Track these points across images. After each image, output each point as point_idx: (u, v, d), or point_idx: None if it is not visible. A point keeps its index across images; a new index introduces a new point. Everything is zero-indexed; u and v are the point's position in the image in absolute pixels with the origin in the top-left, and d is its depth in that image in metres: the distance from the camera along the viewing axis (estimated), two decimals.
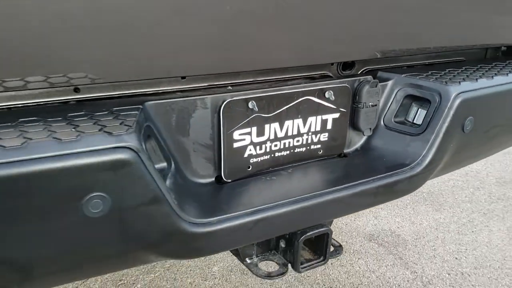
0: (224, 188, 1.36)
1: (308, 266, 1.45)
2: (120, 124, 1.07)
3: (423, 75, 1.67)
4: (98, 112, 1.12)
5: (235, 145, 1.37)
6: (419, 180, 1.58)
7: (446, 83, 1.60)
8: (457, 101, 1.57)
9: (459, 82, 1.62)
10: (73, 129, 1.02)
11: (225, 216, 1.22)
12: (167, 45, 1.15)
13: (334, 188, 1.39)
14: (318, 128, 1.53)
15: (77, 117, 1.09)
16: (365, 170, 1.53)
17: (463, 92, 1.59)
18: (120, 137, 1.02)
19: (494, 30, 1.88)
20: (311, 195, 1.34)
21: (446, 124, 1.57)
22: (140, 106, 1.18)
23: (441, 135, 1.58)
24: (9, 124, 1.02)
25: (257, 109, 1.36)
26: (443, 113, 1.57)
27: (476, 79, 1.66)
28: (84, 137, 0.99)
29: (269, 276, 1.41)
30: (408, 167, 1.56)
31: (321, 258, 1.49)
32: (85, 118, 1.09)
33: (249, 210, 1.25)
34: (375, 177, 1.48)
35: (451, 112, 1.57)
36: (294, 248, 1.41)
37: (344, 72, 1.66)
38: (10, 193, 0.94)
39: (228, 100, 1.31)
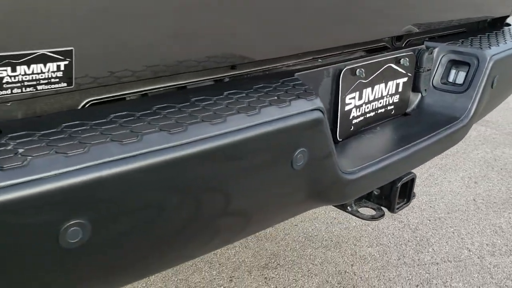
0: (344, 145, 1.58)
1: (399, 207, 1.73)
2: (303, 91, 1.25)
3: (460, 42, 2.01)
4: (272, 83, 1.29)
5: (346, 108, 1.60)
6: (467, 129, 1.93)
7: (482, 48, 1.95)
8: (491, 63, 1.93)
9: (489, 47, 1.98)
10: (275, 98, 1.19)
11: (362, 165, 1.45)
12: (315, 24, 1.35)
13: (419, 140, 1.68)
14: (393, 91, 1.81)
15: (261, 89, 1.25)
16: (429, 125, 1.84)
17: (494, 54, 1.95)
18: (314, 101, 1.21)
19: (488, 5, 2.28)
20: (409, 145, 1.62)
21: (483, 83, 1.93)
22: (295, 77, 1.36)
23: (480, 91, 1.93)
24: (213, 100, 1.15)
25: (363, 75, 1.59)
26: (482, 73, 1.92)
27: (498, 44, 2.04)
28: (291, 102, 1.17)
29: (373, 218, 1.67)
30: (459, 119, 1.89)
31: (405, 200, 1.78)
32: (269, 89, 1.25)
33: (376, 160, 1.49)
34: (440, 129, 1.80)
35: (487, 72, 1.93)
36: (392, 193, 1.68)
37: (396, 43, 1.94)
38: (241, 154, 1.09)
39: (345, 69, 1.53)
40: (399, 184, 1.68)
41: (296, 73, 1.40)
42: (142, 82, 1.10)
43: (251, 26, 1.22)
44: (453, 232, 3.37)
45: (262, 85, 1.27)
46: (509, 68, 2.13)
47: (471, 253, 3.13)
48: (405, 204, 1.76)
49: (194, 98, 1.11)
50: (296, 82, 1.31)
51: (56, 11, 0.86)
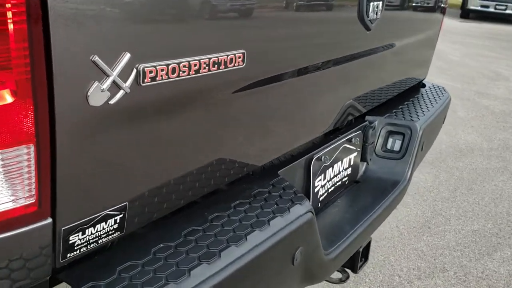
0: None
1: (360, 266, 2.00)
2: (294, 194, 1.47)
3: (394, 115, 2.35)
4: (265, 187, 1.50)
5: (315, 190, 1.84)
6: (406, 189, 2.26)
7: (413, 119, 2.31)
8: (421, 132, 2.29)
9: (418, 118, 2.34)
10: (275, 206, 1.40)
11: (338, 243, 1.69)
12: None
13: (375, 209, 1.97)
14: (347, 165, 2.09)
15: (258, 195, 1.45)
16: (378, 191, 2.15)
17: (423, 124, 2.32)
18: (305, 204, 1.43)
19: (411, 75, 2.68)
20: (369, 216, 1.90)
21: (416, 149, 2.28)
22: (280, 176, 1.58)
23: (414, 157, 2.28)
24: None
25: (327, 161, 1.85)
26: (414, 141, 2.28)
27: (424, 113, 2.41)
28: (290, 210, 1.38)
29: (341, 280, 1.91)
30: (400, 183, 2.22)
31: (364, 259, 2.06)
32: (266, 195, 1.45)
33: (347, 236, 1.75)
34: (388, 196, 2.11)
35: (419, 140, 2.29)
36: (355, 256, 1.95)
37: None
38: (255, 266, 1.29)
39: (314, 158, 1.78)
40: (361, 249, 1.95)
41: (279, 171, 1.62)
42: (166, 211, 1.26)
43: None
44: (384, 260, 3.75)
45: (257, 190, 1.47)
46: (431, 132, 2.52)
47: (402, 278, 3.50)
48: (364, 263, 2.04)
49: (210, 216, 1.29)
50: (284, 184, 1.53)
51: (114, 178, 1.01)
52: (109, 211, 1.02)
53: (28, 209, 0.87)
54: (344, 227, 1.82)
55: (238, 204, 1.37)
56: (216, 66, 1.11)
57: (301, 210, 1.40)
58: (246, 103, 1.33)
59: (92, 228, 0.99)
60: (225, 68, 1.13)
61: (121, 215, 1.05)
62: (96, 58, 0.86)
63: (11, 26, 0.74)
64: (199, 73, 1.07)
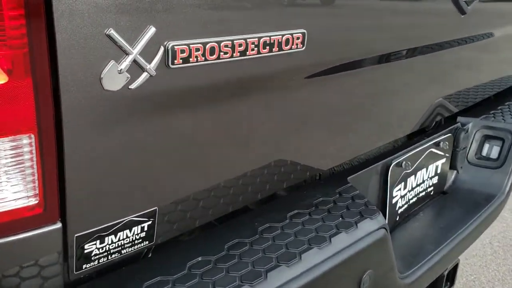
0: (393, 241, 1.57)
1: None
2: (365, 206, 1.24)
3: (492, 116, 2.02)
4: (330, 195, 1.29)
5: (393, 200, 1.59)
6: (503, 205, 1.92)
7: None
8: None
9: None
10: (340, 219, 1.18)
11: (416, 266, 1.43)
12: None
13: (464, 227, 1.67)
14: (433, 173, 1.80)
15: (321, 205, 1.24)
16: (469, 205, 1.83)
17: None
18: (378, 219, 1.20)
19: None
20: (456, 234, 1.61)
21: None
22: (349, 183, 1.36)
23: None
24: None
25: (408, 168, 1.59)
26: None
27: None
28: (358, 225, 1.16)
29: None
30: (497, 197, 1.89)
31: (449, 284, 1.77)
32: (330, 205, 1.24)
33: (428, 258, 1.48)
34: (481, 211, 1.79)
35: None
36: (438, 281, 1.67)
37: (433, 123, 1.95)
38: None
39: (393, 164, 1.53)
40: (445, 272, 1.66)
41: (348, 177, 1.39)
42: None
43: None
44: (473, 281, 3.34)
45: (321, 199, 1.26)
46: None
47: None
48: (450, 287, 1.75)
49: (261, 227, 1.10)
50: (353, 193, 1.30)
51: (139, 178, 0.85)
52: (134, 217, 0.86)
53: (31, 211, 0.73)
54: (426, 246, 1.55)
55: (296, 215, 1.17)
56: (267, 47, 0.92)
57: (372, 226, 1.17)
58: (308, 94, 1.13)
59: (113, 236, 0.84)
60: (279, 51, 0.94)
61: (150, 222, 0.89)
62: (112, 32, 0.71)
63: None
64: (245, 55, 0.89)
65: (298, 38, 0.96)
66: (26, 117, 0.67)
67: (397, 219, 1.65)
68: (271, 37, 0.92)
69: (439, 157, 1.80)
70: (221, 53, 0.85)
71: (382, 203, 1.56)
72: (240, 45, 0.87)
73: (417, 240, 1.60)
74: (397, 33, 1.32)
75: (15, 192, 0.71)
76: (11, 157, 0.68)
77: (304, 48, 0.98)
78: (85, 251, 0.81)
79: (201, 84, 0.85)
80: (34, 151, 0.70)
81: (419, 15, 1.38)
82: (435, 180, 1.83)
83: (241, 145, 1.01)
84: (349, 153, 1.36)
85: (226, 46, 0.85)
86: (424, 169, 1.74)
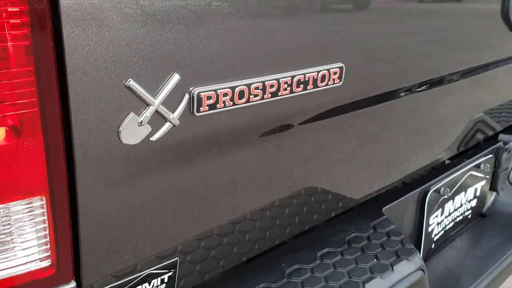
0: (428, 271, 1.47)
1: None
2: (401, 245, 1.16)
3: None
4: (363, 231, 1.20)
5: (430, 229, 1.49)
6: None
7: None
8: None
9: None
10: (374, 260, 1.10)
11: None
12: None
13: (505, 257, 1.56)
14: (472, 196, 1.69)
15: (354, 243, 1.16)
16: (508, 230, 1.72)
17: None
18: (415, 260, 1.12)
19: None
20: (496, 265, 1.51)
21: None
22: (384, 215, 1.27)
23: None
24: None
25: (447, 194, 1.49)
26: None
27: None
28: (394, 267, 1.08)
29: None
30: None
31: None
32: (363, 243, 1.16)
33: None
34: None
35: None
36: None
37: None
38: None
39: (431, 191, 1.43)
40: None
41: (384, 208, 1.30)
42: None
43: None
44: None
45: (353, 234, 1.18)
46: None
47: None
48: None
49: (289, 270, 1.03)
50: (389, 228, 1.21)
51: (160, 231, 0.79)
52: (153, 270, 0.80)
53: (45, 273, 0.68)
54: (463, 277, 1.45)
55: (326, 254, 1.09)
56: (301, 86, 0.84)
57: (408, 269, 1.08)
58: (343, 126, 1.05)
59: None
60: (314, 88, 0.86)
61: (171, 274, 0.83)
62: (131, 83, 0.64)
63: (6, 34, 0.54)
64: (277, 96, 0.81)
65: (335, 73, 0.88)
66: (37, 178, 0.61)
67: (432, 246, 1.55)
68: (307, 75, 0.83)
69: (479, 179, 1.69)
70: (251, 96, 0.77)
71: (418, 232, 1.47)
72: (272, 86, 0.79)
73: (454, 271, 1.50)
74: (438, 59, 1.22)
75: (27, 256, 0.65)
76: (22, 220, 0.63)
77: (341, 83, 0.90)
78: None
79: (229, 130, 0.78)
80: (45, 213, 0.64)
81: (465, 37, 1.27)
82: (473, 203, 1.72)
83: (266, 185, 0.94)
84: (383, 182, 1.27)
85: (256, 88, 0.77)
86: (463, 193, 1.63)
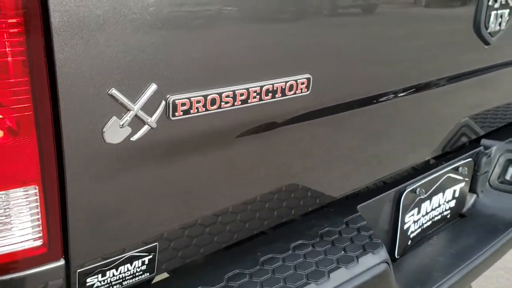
0: (402, 265, 1.57)
1: None
2: (369, 239, 1.26)
3: None
4: (336, 225, 1.31)
5: (405, 226, 1.59)
6: None
7: None
8: None
9: None
10: (342, 253, 1.20)
11: None
12: None
13: (480, 253, 1.65)
14: (450, 197, 1.78)
15: (326, 236, 1.26)
16: (488, 230, 1.81)
17: None
18: (380, 253, 1.22)
19: None
20: (470, 261, 1.60)
21: None
22: (358, 212, 1.37)
23: None
24: None
25: (423, 194, 1.59)
26: None
27: None
28: (359, 259, 1.18)
29: None
30: None
31: None
32: (335, 237, 1.26)
33: (435, 285, 1.48)
34: (500, 237, 1.76)
35: None
36: None
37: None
38: None
39: (406, 191, 1.53)
40: None
41: (358, 206, 1.40)
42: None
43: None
44: None
45: (327, 229, 1.28)
46: None
47: None
48: None
49: (263, 258, 1.14)
50: (360, 224, 1.31)
51: (141, 214, 0.90)
52: (135, 253, 0.91)
53: (37, 251, 0.79)
54: (435, 273, 1.54)
55: (299, 246, 1.20)
56: (270, 94, 0.94)
57: (372, 261, 1.19)
58: (318, 130, 1.15)
59: (114, 270, 0.90)
60: (282, 97, 0.96)
61: (151, 256, 0.94)
62: (114, 91, 0.75)
63: (6, 50, 0.65)
64: (247, 103, 0.91)
65: (303, 83, 0.98)
66: (31, 170, 0.73)
67: (409, 243, 1.65)
68: (275, 85, 0.94)
69: (457, 181, 1.78)
70: (223, 103, 0.88)
71: (393, 228, 1.57)
72: (241, 95, 0.90)
73: (427, 267, 1.60)
74: (415, 67, 1.31)
75: (22, 235, 0.77)
76: (19, 205, 0.74)
77: (308, 92, 1.00)
78: (87, 284, 0.87)
79: (201, 132, 0.89)
80: (38, 200, 0.75)
81: (438, 48, 1.36)
82: (452, 203, 1.81)
83: (239, 181, 1.04)
84: (359, 182, 1.37)
85: (227, 96, 0.88)
86: (441, 194, 1.72)
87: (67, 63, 0.69)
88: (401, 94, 1.32)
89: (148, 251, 0.93)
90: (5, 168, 0.71)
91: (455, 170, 1.74)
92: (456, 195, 1.81)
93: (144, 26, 0.75)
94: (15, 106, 0.68)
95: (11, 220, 0.75)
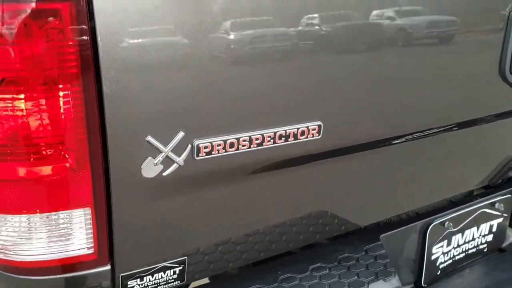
0: None
1: None
2: (383, 268, 1.38)
3: None
4: (356, 252, 1.44)
5: (433, 257, 1.67)
6: None
7: None
8: None
9: None
10: (355, 277, 1.34)
11: None
12: None
13: None
14: (486, 232, 1.83)
15: (344, 261, 1.40)
16: None
17: None
18: (391, 282, 1.34)
19: None
20: None
21: None
22: (380, 241, 1.49)
23: None
24: None
25: (451, 228, 1.66)
26: None
27: None
28: (369, 286, 1.31)
29: None
30: None
31: None
32: (352, 262, 1.40)
33: None
34: None
35: None
36: None
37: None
38: None
39: (433, 224, 1.62)
40: None
41: (382, 235, 1.52)
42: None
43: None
44: None
45: (346, 254, 1.42)
46: None
47: None
48: None
49: (282, 277, 1.30)
50: (379, 252, 1.43)
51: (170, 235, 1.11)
52: (167, 264, 1.13)
53: (89, 257, 1.03)
54: None
55: (317, 268, 1.35)
56: (283, 139, 1.12)
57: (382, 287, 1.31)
58: (340, 167, 1.30)
59: (150, 276, 1.12)
60: (294, 140, 1.13)
61: (181, 268, 1.15)
62: (150, 138, 0.97)
63: (71, 115, 0.90)
64: (262, 146, 1.10)
65: (314, 129, 1.15)
66: (87, 197, 0.97)
67: (438, 273, 1.72)
68: (287, 131, 1.12)
69: (494, 216, 1.82)
70: (240, 146, 1.07)
71: (420, 258, 1.65)
72: (257, 139, 1.08)
73: None
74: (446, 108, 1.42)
75: (80, 244, 1.01)
76: (78, 222, 0.99)
77: (320, 136, 1.16)
78: (128, 286, 1.10)
79: (222, 169, 1.08)
80: (91, 219, 0.99)
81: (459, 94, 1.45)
82: (489, 238, 1.85)
83: (259, 210, 1.22)
84: (382, 214, 1.49)
85: (244, 140, 1.07)
86: (475, 228, 1.78)
87: (114, 118, 0.92)
88: (422, 134, 1.43)
89: (179, 263, 1.14)
90: (69, 195, 0.96)
91: (492, 205, 1.79)
92: (494, 229, 1.84)
93: (178, 82, 0.97)
94: (76, 150, 0.92)
95: (73, 232, 1.00)
